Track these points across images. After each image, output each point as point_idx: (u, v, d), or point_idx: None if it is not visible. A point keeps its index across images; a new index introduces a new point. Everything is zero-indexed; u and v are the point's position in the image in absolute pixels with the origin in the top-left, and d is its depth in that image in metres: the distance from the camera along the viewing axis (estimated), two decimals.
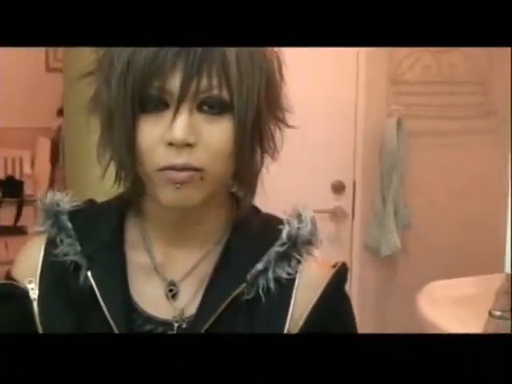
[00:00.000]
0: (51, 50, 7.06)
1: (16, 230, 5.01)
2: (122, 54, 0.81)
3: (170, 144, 0.80)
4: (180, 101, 0.80)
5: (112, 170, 0.90)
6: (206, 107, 0.81)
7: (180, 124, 0.79)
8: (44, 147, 6.71)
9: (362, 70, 2.95)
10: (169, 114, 0.80)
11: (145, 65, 0.79)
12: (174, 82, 0.79)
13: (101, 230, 0.92)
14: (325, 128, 2.90)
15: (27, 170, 6.87)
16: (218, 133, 0.82)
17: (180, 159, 0.80)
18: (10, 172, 6.82)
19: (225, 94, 0.81)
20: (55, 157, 5.68)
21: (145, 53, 0.79)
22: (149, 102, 0.81)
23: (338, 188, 2.98)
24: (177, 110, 0.80)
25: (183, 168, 0.80)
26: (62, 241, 0.91)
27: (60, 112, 4.52)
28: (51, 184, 6.06)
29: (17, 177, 5.90)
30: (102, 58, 0.85)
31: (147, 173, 0.83)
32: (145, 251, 0.92)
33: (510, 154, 1.94)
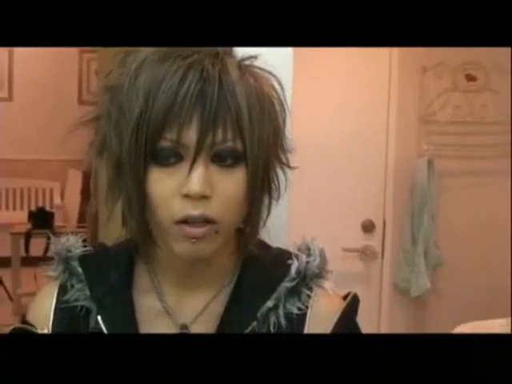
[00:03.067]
0: (84, 82, 7.20)
1: (45, 261, 5.04)
2: (134, 104, 0.80)
3: (186, 196, 0.80)
4: (197, 154, 0.80)
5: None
6: (219, 158, 0.82)
7: (197, 177, 0.80)
8: (75, 179, 6.80)
9: (392, 110, 2.96)
10: (184, 166, 0.81)
11: (158, 118, 0.79)
12: (191, 135, 0.80)
13: (110, 275, 0.92)
14: (355, 167, 2.90)
15: (57, 201, 6.96)
16: (231, 184, 0.82)
17: (196, 211, 0.80)
18: (40, 203, 6.92)
19: (238, 145, 0.82)
20: (87, 189, 5.75)
21: (158, 105, 0.79)
22: (162, 154, 0.81)
23: (368, 227, 2.97)
24: (193, 162, 0.80)
25: (199, 220, 0.81)
26: (72, 286, 0.92)
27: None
28: (81, 216, 6.12)
29: (47, 208, 5.96)
30: (110, 104, 0.84)
31: (162, 224, 0.83)
32: (155, 294, 0.92)
33: None
